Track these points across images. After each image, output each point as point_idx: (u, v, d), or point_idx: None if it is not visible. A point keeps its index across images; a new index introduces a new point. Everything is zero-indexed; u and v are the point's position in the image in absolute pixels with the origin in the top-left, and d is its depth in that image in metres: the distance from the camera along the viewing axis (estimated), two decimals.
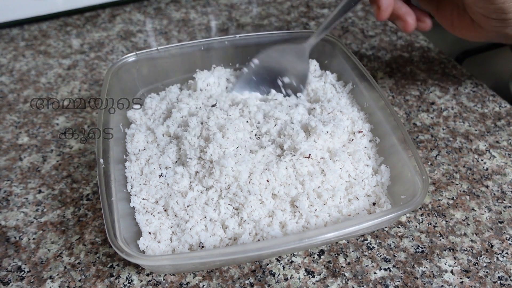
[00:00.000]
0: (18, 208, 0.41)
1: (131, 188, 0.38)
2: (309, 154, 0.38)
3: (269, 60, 0.47)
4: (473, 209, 0.41)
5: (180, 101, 0.45)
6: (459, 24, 0.45)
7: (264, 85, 0.46)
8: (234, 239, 0.35)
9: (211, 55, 0.49)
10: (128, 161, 0.40)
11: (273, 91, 0.46)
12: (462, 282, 0.35)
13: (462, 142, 0.47)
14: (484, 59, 0.65)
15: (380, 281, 0.35)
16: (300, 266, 0.36)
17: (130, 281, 0.35)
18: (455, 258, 0.37)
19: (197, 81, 0.46)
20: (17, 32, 0.67)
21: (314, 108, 0.43)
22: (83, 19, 0.70)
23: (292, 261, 0.37)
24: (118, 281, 0.35)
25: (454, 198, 0.42)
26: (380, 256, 0.37)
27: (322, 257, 0.37)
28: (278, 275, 0.36)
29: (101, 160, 0.35)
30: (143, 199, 0.37)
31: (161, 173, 0.39)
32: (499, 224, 0.39)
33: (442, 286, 0.35)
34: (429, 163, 0.45)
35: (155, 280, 0.35)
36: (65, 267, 0.36)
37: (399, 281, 0.35)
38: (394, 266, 0.36)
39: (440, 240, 0.38)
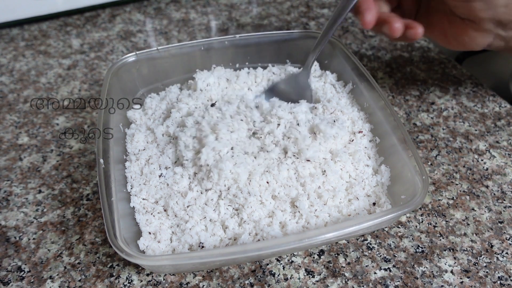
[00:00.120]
0: (18, 208, 0.41)
1: (131, 188, 0.38)
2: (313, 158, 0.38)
3: (274, 95, 0.46)
4: (473, 209, 0.41)
5: (180, 101, 0.45)
6: (452, 29, 0.44)
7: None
8: (234, 239, 0.35)
9: (211, 55, 0.49)
10: (128, 161, 0.40)
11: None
12: (462, 282, 0.35)
13: (462, 142, 0.47)
14: (484, 59, 0.65)
15: (380, 281, 0.35)
16: (300, 266, 0.36)
17: (130, 281, 0.35)
18: (455, 258, 0.37)
19: (197, 81, 0.45)
20: (17, 32, 0.67)
21: (315, 107, 0.43)
22: (83, 19, 0.70)
23: (292, 261, 0.37)
24: (118, 281, 0.35)
25: (454, 198, 0.42)
26: (380, 256, 0.37)
27: (322, 257, 0.37)
28: (278, 275, 0.36)
29: (101, 160, 0.35)
30: (143, 199, 0.37)
31: (161, 173, 0.39)
32: (499, 224, 0.39)
33: (442, 286, 0.35)
34: (429, 163, 0.45)
35: (155, 280, 0.35)
36: (65, 267, 0.36)
37: (399, 281, 0.35)
38: (394, 266, 0.36)
39: (440, 240, 0.38)
